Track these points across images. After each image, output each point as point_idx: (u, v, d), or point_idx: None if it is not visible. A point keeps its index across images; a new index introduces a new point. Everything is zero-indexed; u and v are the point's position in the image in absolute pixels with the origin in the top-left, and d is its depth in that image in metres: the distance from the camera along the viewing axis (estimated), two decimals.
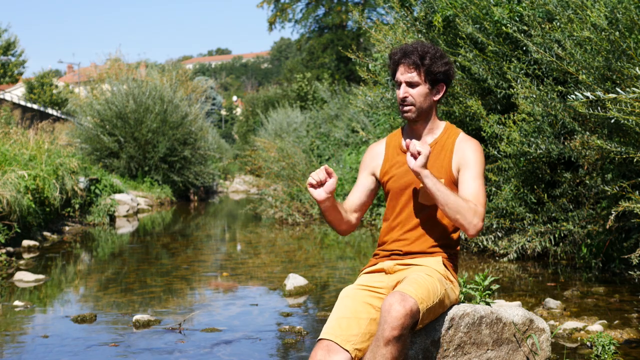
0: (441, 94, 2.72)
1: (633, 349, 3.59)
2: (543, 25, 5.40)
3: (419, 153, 2.51)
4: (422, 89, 2.66)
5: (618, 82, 4.47)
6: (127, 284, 5.97)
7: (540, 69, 5.80)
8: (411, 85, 2.66)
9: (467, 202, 2.54)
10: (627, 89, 3.90)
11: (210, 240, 9.84)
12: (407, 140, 2.58)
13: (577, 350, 3.58)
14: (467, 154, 2.66)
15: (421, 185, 2.66)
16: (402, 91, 2.67)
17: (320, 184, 2.58)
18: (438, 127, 2.76)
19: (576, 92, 3.90)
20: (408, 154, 2.55)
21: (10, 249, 7.59)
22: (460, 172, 2.67)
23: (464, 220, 2.53)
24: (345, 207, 2.77)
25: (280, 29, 44.16)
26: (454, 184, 2.68)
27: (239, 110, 62.77)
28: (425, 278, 2.50)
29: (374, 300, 2.53)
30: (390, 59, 2.73)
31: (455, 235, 2.74)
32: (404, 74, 2.66)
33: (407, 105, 2.68)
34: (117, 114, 17.29)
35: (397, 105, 7.28)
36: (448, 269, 2.68)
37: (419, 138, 2.75)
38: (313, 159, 13.08)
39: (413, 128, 2.75)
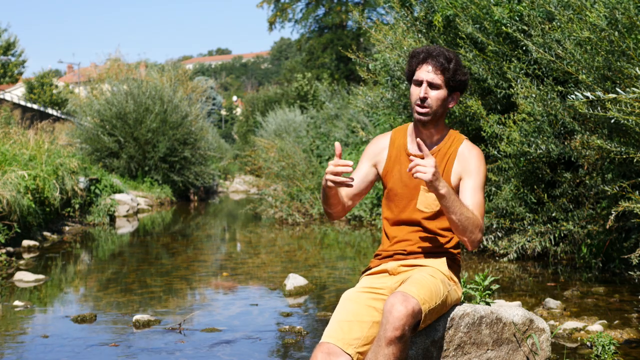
0: (455, 102, 2.68)
1: (633, 349, 3.59)
2: (543, 25, 5.40)
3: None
4: (442, 93, 2.61)
5: (618, 82, 4.47)
6: (127, 284, 5.97)
7: (540, 69, 5.80)
8: (432, 86, 2.60)
9: (474, 217, 2.52)
10: (627, 89, 3.90)
11: (210, 240, 9.84)
12: (419, 140, 2.46)
13: (577, 350, 3.58)
14: (471, 162, 2.63)
15: (422, 194, 2.65)
16: (423, 90, 2.60)
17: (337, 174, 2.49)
18: (443, 134, 2.71)
19: (576, 92, 3.90)
20: (416, 161, 2.43)
21: (10, 249, 7.59)
22: (462, 180, 2.64)
23: (469, 236, 2.53)
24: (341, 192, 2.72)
25: (280, 29, 44.21)
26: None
27: (239, 110, 62.75)
28: (428, 279, 2.49)
29: (377, 302, 2.49)
30: (413, 57, 2.66)
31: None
32: (429, 74, 2.60)
33: (424, 107, 2.60)
34: (117, 114, 17.28)
35: (397, 105, 7.26)
36: (451, 270, 2.67)
37: (426, 144, 2.68)
38: (313, 159, 13.07)
39: (421, 130, 2.69)
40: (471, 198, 2.60)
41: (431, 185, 2.41)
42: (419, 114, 2.63)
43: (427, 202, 2.65)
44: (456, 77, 2.61)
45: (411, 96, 2.66)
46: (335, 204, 2.67)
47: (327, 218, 2.78)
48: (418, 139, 2.48)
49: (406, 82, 6.91)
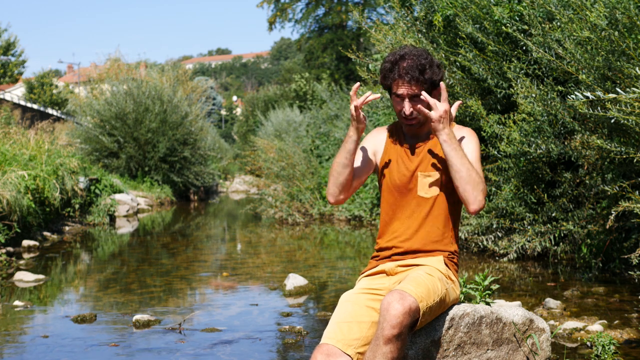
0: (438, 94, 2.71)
1: (633, 349, 3.59)
2: (543, 25, 5.40)
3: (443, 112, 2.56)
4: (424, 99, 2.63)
5: (618, 82, 4.47)
6: (127, 284, 5.97)
7: (540, 68, 5.80)
8: (413, 98, 2.61)
9: (479, 176, 2.56)
10: (627, 89, 3.90)
11: (210, 240, 9.84)
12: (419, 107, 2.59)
13: (577, 350, 3.58)
14: (463, 141, 2.68)
15: (421, 179, 2.66)
16: (408, 107, 2.61)
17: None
18: None
19: (576, 92, 3.90)
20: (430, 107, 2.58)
21: (10, 249, 7.59)
22: None
23: (471, 193, 2.54)
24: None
25: (280, 29, 44.21)
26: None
27: (239, 110, 62.76)
28: (425, 277, 2.49)
29: (375, 303, 2.50)
30: (386, 72, 2.64)
31: (455, 233, 2.73)
32: (407, 89, 2.60)
33: (412, 120, 2.65)
34: (117, 114, 17.27)
35: None
36: (449, 268, 2.67)
37: (419, 135, 2.73)
38: (313, 159, 13.08)
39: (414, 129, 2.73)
40: None
41: (435, 128, 2.55)
42: (409, 125, 2.68)
43: (426, 188, 2.66)
44: (434, 81, 2.62)
45: (394, 107, 2.68)
46: (347, 172, 2.66)
47: (331, 198, 2.71)
48: (419, 106, 2.59)
49: None
